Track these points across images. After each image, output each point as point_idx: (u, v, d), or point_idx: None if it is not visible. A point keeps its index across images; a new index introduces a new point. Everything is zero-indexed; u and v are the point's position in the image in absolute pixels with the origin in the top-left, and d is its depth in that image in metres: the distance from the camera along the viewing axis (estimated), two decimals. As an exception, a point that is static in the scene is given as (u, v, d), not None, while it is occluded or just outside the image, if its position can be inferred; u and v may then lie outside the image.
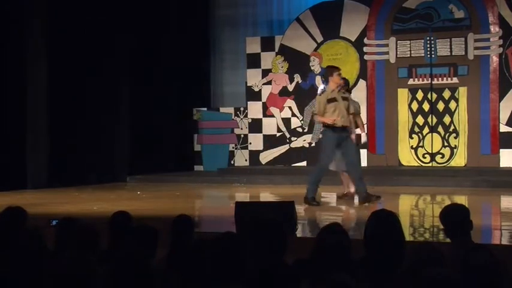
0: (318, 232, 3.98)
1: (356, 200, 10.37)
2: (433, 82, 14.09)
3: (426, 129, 14.17)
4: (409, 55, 14.28)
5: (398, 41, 14.33)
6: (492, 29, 13.77)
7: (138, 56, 14.95)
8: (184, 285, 3.81)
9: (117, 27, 14.45)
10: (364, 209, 9.35)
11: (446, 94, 14.03)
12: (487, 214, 9.96)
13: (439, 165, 14.05)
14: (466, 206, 5.00)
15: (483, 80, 13.81)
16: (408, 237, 6.63)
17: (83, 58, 13.73)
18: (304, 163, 14.92)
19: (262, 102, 15.43)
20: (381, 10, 14.49)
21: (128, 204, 9.79)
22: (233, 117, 15.72)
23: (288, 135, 15.21)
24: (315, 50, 14.95)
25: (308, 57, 14.99)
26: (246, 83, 15.60)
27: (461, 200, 10.77)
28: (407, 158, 14.30)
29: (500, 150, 13.70)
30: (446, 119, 14.03)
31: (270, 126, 15.35)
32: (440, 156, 14.10)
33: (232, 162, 15.65)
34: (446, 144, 14.06)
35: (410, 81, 14.25)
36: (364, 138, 11.26)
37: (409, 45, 14.26)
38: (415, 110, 14.24)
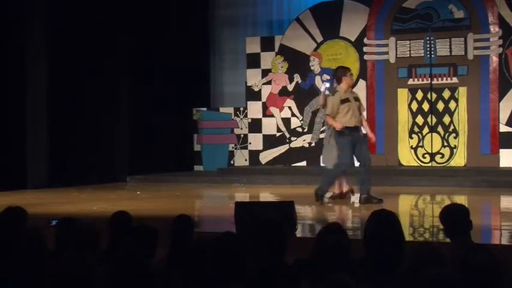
0: (317, 232, 3.98)
1: (356, 199, 10.36)
2: (433, 82, 14.09)
3: (426, 129, 14.16)
4: (408, 55, 14.27)
5: (398, 41, 14.32)
6: (492, 29, 13.77)
7: (138, 56, 14.95)
8: (184, 285, 3.81)
9: (117, 27, 14.44)
10: (364, 209, 9.35)
11: (446, 94, 14.03)
12: (486, 214, 9.96)
13: (438, 165, 14.04)
14: (466, 206, 4.99)
15: (483, 80, 13.80)
16: (408, 237, 6.64)
17: (83, 58, 13.73)
18: (304, 163, 14.91)
19: (262, 102, 15.42)
20: (380, 10, 14.48)
21: (127, 204, 9.79)
22: (233, 117, 15.71)
23: (287, 135, 15.20)
24: (315, 50, 14.94)
25: (308, 57, 14.98)
26: (246, 83, 15.58)
27: (461, 200, 10.77)
28: (407, 158, 14.29)
29: (500, 150, 13.69)
30: (446, 119, 14.02)
31: (269, 126, 15.34)
32: (440, 156, 14.09)
33: (232, 162, 15.64)
34: (446, 144, 14.04)
35: (410, 81, 14.25)
36: (372, 138, 10.80)
37: (408, 45, 14.25)
38: (414, 110, 14.24)
